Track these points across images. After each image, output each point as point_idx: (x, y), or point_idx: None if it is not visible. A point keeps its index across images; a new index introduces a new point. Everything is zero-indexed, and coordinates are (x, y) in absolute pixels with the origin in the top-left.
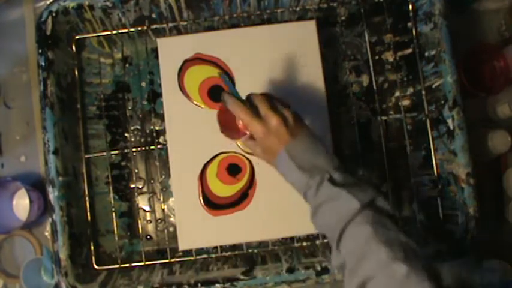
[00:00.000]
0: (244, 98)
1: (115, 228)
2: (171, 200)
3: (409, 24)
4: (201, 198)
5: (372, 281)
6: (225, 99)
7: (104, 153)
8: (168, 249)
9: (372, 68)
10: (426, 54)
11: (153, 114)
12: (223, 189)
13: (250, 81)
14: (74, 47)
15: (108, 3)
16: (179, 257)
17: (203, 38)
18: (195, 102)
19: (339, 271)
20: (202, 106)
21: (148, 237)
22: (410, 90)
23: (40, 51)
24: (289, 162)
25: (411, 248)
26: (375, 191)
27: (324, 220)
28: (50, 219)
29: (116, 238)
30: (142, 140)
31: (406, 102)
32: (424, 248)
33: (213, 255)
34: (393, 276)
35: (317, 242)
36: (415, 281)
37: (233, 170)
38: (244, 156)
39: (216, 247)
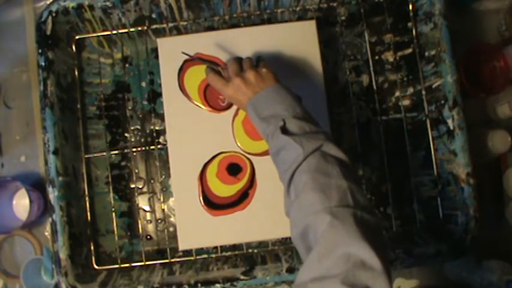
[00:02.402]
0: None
1: (115, 228)
2: (171, 200)
3: (409, 24)
4: (201, 198)
5: (311, 229)
6: (206, 73)
7: (104, 153)
8: (168, 249)
9: (372, 68)
10: (426, 54)
11: (153, 114)
12: (223, 189)
13: None
14: (74, 47)
15: (108, 3)
16: (179, 257)
17: (203, 38)
18: (195, 102)
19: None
20: (202, 106)
21: (148, 237)
22: (410, 90)
23: (40, 51)
24: (252, 112)
25: (352, 194)
26: (325, 138)
27: (279, 170)
28: (50, 219)
29: (116, 238)
30: (142, 140)
31: (406, 102)
32: (424, 248)
33: (213, 255)
34: (323, 223)
35: None
36: (341, 228)
37: (233, 169)
38: (244, 156)
39: (216, 247)
